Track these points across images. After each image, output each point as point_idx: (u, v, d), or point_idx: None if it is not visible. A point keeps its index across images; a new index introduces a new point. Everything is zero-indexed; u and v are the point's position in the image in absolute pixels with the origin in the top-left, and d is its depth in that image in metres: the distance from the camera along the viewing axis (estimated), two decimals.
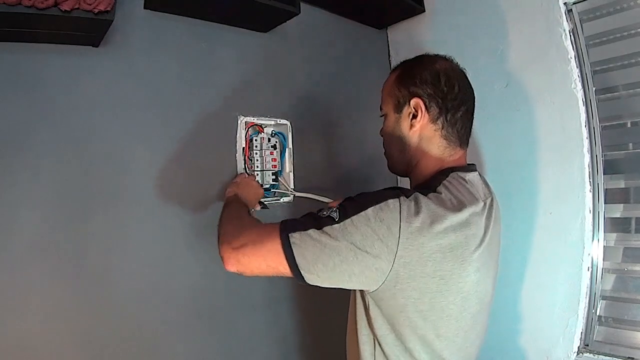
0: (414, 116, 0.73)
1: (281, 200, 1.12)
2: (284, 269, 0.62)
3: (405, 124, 0.74)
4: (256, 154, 1.07)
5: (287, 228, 0.63)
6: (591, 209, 1.03)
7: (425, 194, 0.65)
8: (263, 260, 0.63)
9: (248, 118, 1.06)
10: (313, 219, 0.64)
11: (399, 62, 0.81)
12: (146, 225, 0.91)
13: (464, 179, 0.71)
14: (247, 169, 1.05)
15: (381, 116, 0.81)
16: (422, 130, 0.73)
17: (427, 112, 0.72)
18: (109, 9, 0.72)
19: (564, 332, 1.06)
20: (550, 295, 1.08)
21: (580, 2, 1.04)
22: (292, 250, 0.61)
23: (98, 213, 0.85)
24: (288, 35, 1.16)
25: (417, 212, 0.62)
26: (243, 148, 1.05)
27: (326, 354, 1.22)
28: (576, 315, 1.04)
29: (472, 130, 0.77)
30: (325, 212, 0.64)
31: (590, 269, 1.04)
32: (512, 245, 1.14)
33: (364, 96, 1.38)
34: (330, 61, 1.29)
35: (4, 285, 0.74)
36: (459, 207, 0.66)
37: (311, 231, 0.61)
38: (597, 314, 1.04)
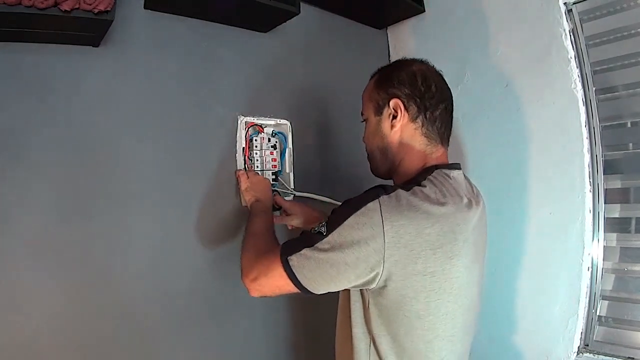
0: (394, 116, 0.75)
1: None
2: (293, 289, 0.67)
3: (386, 124, 0.76)
4: (256, 154, 1.07)
5: (285, 252, 0.68)
6: (591, 209, 1.03)
7: (409, 189, 0.66)
8: (276, 286, 0.69)
9: (248, 118, 1.06)
10: (305, 238, 0.68)
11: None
12: (146, 225, 0.91)
13: (449, 176, 0.73)
14: (246, 168, 1.05)
15: (362, 121, 0.83)
16: (403, 130, 0.75)
17: (407, 112, 0.74)
18: (109, 9, 0.72)
19: (564, 332, 1.06)
20: (550, 295, 1.08)
21: (580, 2, 1.04)
22: (293, 272, 0.66)
23: (98, 213, 0.85)
24: (288, 35, 1.16)
25: (399, 209, 0.63)
26: (243, 148, 1.05)
27: (325, 354, 1.22)
28: (576, 315, 1.04)
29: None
30: (316, 228, 0.67)
31: (590, 269, 1.04)
32: (512, 245, 1.14)
33: None
34: (331, 61, 1.29)
35: (4, 285, 0.74)
36: (445, 201, 0.67)
37: (304, 250, 0.66)
38: (597, 314, 1.04)
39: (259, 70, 1.11)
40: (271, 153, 1.10)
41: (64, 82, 0.82)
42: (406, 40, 1.43)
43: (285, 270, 0.66)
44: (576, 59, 1.04)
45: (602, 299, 1.04)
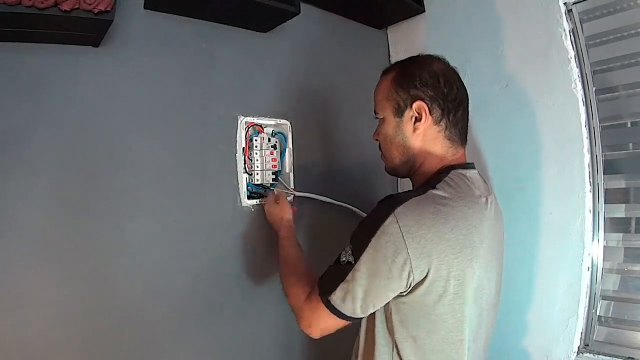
0: (417, 119, 0.73)
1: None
2: (345, 323, 0.70)
3: (407, 127, 0.74)
4: (256, 154, 1.07)
5: (324, 291, 0.70)
6: (591, 209, 1.03)
7: (423, 192, 0.66)
8: (330, 325, 0.71)
9: (248, 118, 1.06)
10: (338, 271, 0.69)
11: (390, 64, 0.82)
12: (146, 224, 0.91)
13: (465, 176, 0.72)
14: (246, 169, 1.05)
15: (376, 118, 0.81)
16: (425, 133, 0.74)
17: (430, 115, 0.72)
18: (109, 9, 0.72)
19: (564, 332, 1.06)
20: (550, 295, 1.08)
21: (580, 2, 1.04)
22: (337, 310, 0.68)
23: (98, 212, 0.85)
24: (288, 35, 1.16)
25: (417, 219, 0.63)
26: (243, 148, 1.05)
27: (327, 354, 1.22)
28: (576, 315, 1.04)
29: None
30: (344, 258, 0.69)
31: (590, 269, 1.04)
32: (512, 246, 1.13)
33: (364, 96, 1.38)
34: (330, 61, 1.29)
35: (4, 284, 0.74)
36: (461, 203, 0.67)
37: (341, 285, 0.67)
38: (597, 314, 1.04)
39: (259, 70, 1.11)
40: (271, 153, 1.10)
41: (64, 82, 0.81)
42: (406, 40, 1.43)
43: (330, 310, 0.68)
44: (576, 59, 1.04)
45: (602, 299, 1.04)
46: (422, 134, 0.74)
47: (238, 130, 1.05)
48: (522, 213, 1.12)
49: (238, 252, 1.05)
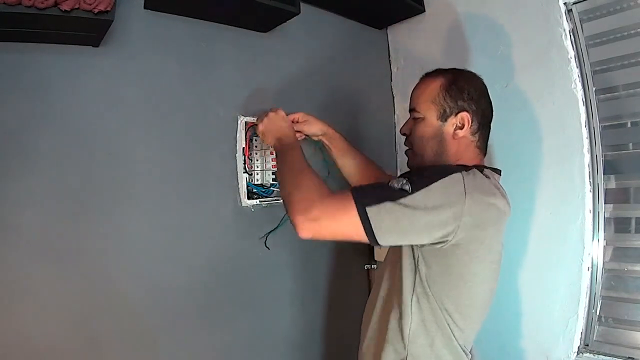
0: (459, 127, 0.81)
1: (281, 200, 1.12)
2: (360, 238, 0.69)
3: (448, 132, 0.82)
4: (256, 154, 1.07)
5: (361, 200, 0.68)
6: (591, 209, 1.03)
7: (468, 170, 0.75)
8: (340, 231, 0.70)
9: (248, 118, 1.06)
10: (387, 191, 0.69)
11: (418, 67, 0.90)
12: (146, 224, 0.91)
13: (493, 176, 0.81)
14: (246, 169, 1.05)
15: (414, 117, 0.86)
16: (462, 140, 0.82)
17: (470, 127, 0.82)
18: (109, 9, 0.72)
19: (564, 332, 1.06)
20: (550, 295, 1.08)
21: (580, 2, 1.04)
22: (369, 223, 0.67)
23: (98, 212, 0.85)
24: (288, 35, 1.16)
25: (476, 184, 0.72)
26: (243, 148, 1.05)
27: (326, 353, 1.22)
28: (576, 315, 1.04)
29: None
30: (396, 185, 0.69)
31: (590, 269, 1.04)
32: (512, 246, 1.13)
33: (364, 96, 1.38)
34: (330, 61, 1.29)
35: (4, 285, 0.74)
36: (497, 188, 0.77)
37: (387, 203, 0.67)
38: (597, 314, 1.04)
39: (259, 70, 1.11)
40: (271, 153, 1.10)
41: (64, 82, 0.81)
42: (406, 40, 1.43)
43: (361, 219, 0.67)
44: (576, 59, 1.04)
45: (602, 299, 1.04)
46: (459, 141, 0.82)
47: (238, 130, 1.05)
48: (522, 213, 1.12)
49: (238, 252, 1.05)
